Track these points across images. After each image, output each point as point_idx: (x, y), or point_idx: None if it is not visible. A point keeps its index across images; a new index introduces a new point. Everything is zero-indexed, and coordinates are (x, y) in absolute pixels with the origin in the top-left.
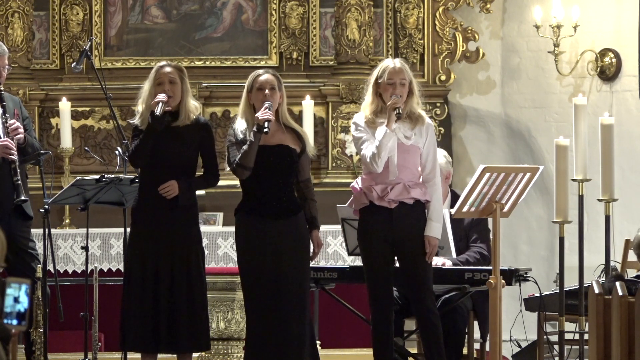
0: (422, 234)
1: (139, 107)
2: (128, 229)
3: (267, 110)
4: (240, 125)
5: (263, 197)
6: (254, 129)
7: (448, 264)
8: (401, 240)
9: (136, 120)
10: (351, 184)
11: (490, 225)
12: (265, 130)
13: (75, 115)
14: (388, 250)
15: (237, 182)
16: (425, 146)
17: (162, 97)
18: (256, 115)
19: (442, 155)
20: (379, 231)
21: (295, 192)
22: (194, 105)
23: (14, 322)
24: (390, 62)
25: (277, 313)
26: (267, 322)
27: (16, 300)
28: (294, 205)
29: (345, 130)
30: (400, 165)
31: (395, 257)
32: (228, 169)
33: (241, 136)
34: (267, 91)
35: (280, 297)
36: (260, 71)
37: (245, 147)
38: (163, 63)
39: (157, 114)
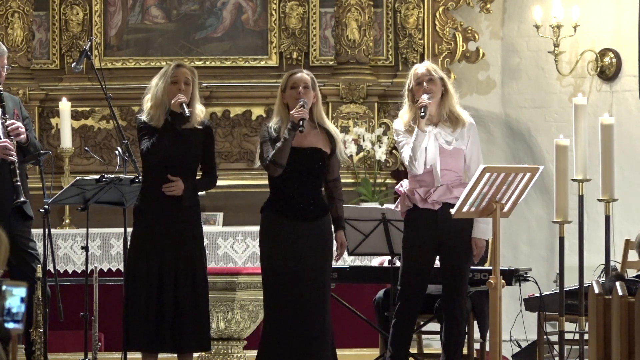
0: (467, 234)
1: (148, 103)
2: (128, 229)
3: (302, 108)
4: (274, 124)
5: (290, 199)
6: (289, 126)
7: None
8: (447, 240)
9: (144, 117)
10: (396, 187)
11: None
12: (300, 128)
13: (75, 115)
14: (431, 253)
15: (236, 182)
16: (468, 148)
17: (183, 98)
18: (291, 112)
19: None
20: (424, 233)
21: (324, 191)
22: (200, 110)
23: (13, 324)
24: (416, 66)
25: (297, 314)
26: (286, 323)
27: (19, 302)
28: (320, 208)
29: (346, 130)
30: (443, 170)
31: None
32: (258, 164)
33: (275, 134)
34: (300, 89)
35: (301, 299)
36: (296, 70)
37: (279, 144)
38: (180, 62)
39: (187, 114)
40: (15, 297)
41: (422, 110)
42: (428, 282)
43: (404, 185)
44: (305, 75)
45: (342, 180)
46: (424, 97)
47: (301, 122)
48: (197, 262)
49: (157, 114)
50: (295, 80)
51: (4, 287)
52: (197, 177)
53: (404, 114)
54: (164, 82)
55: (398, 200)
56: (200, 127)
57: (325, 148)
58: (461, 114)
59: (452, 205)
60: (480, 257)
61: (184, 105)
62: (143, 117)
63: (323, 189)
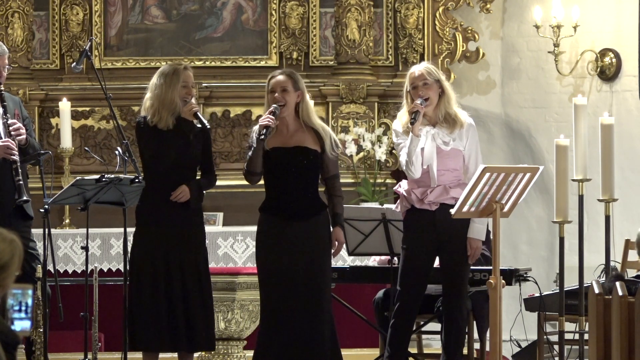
0: (465, 234)
1: (154, 103)
2: (128, 229)
3: (269, 115)
4: (255, 128)
5: (282, 198)
6: (255, 134)
7: None
8: (445, 241)
9: (149, 116)
10: (394, 188)
11: (490, 226)
12: (261, 137)
13: (75, 115)
14: (431, 254)
15: (236, 182)
16: (467, 148)
17: (197, 106)
18: (260, 120)
19: None
20: (423, 234)
21: (325, 189)
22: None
23: (21, 328)
24: (413, 68)
25: (290, 314)
26: (278, 322)
27: (25, 305)
28: (314, 206)
29: (346, 130)
30: (440, 170)
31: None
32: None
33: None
34: (276, 94)
35: (294, 298)
36: (276, 72)
37: (250, 152)
38: (185, 65)
39: (208, 127)
40: (23, 301)
41: (413, 116)
42: (427, 283)
43: (403, 185)
44: (282, 77)
45: (342, 180)
46: (417, 102)
47: (264, 130)
48: (201, 262)
49: (165, 116)
50: (273, 85)
51: (11, 291)
52: (197, 177)
53: (403, 115)
54: (176, 85)
55: (398, 200)
56: (199, 126)
57: (314, 146)
58: (459, 114)
59: (450, 206)
60: (475, 257)
61: (200, 115)
62: (148, 117)
63: (323, 187)
